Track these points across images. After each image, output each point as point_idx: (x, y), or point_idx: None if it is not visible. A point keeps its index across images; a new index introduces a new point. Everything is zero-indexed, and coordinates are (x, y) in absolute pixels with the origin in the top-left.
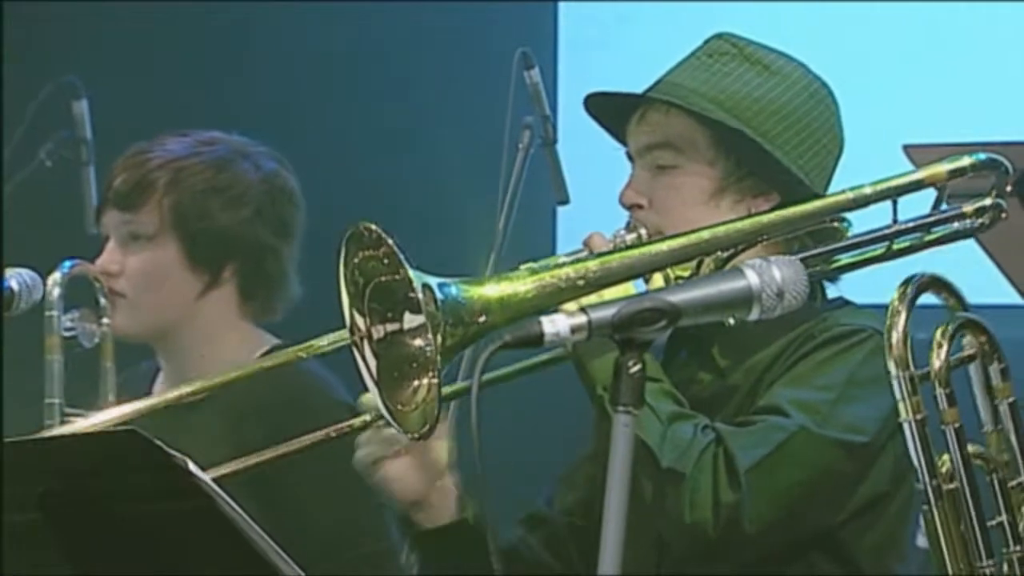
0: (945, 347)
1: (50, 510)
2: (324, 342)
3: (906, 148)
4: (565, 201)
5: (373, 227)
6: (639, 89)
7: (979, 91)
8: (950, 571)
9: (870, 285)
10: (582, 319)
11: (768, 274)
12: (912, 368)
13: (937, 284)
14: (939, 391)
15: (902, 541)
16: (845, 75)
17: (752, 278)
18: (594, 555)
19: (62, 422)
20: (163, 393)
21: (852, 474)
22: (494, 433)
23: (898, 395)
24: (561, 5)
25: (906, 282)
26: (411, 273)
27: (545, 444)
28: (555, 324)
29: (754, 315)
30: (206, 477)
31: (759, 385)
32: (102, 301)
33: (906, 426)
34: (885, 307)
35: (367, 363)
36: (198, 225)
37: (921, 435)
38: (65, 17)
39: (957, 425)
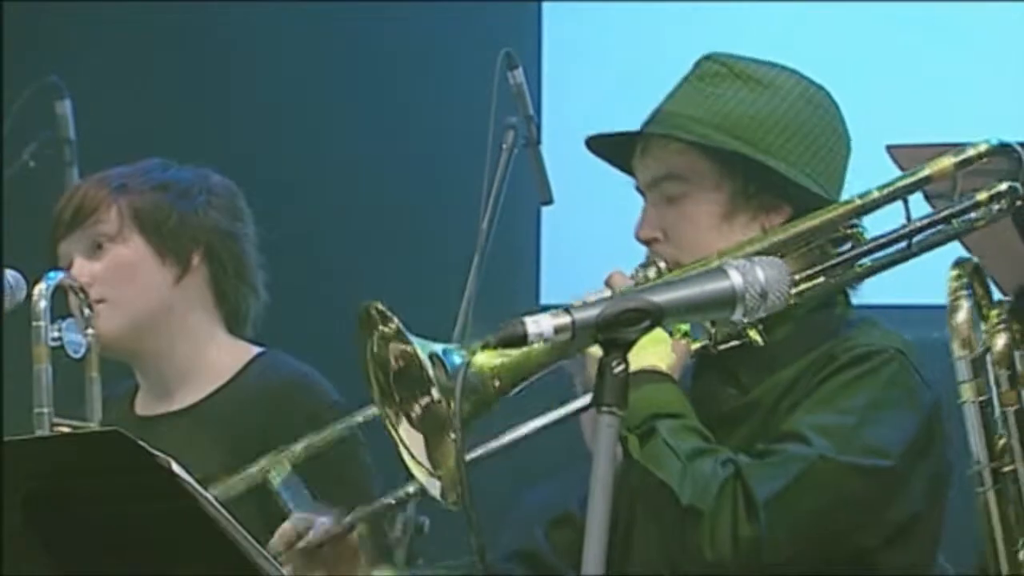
0: (1005, 330)
1: (33, 511)
2: (357, 418)
3: (889, 148)
4: (549, 201)
5: (379, 306)
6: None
7: (958, 92)
8: (1002, 551)
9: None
10: (566, 319)
11: (751, 275)
12: (975, 350)
13: (978, 271)
14: (1000, 372)
15: (933, 560)
16: (825, 77)
17: (735, 278)
18: None
19: (51, 431)
20: (145, 403)
21: (876, 498)
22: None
23: (961, 376)
24: (545, 5)
25: (957, 266)
26: (417, 347)
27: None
28: (539, 324)
29: (737, 315)
30: (189, 478)
31: (781, 402)
32: (87, 311)
33: (967, 407)
34: (895, 308)
35: (406, 445)
36: (156, 217)
37: (983, 417)
38: (48, 17)
39: (1016, 407)
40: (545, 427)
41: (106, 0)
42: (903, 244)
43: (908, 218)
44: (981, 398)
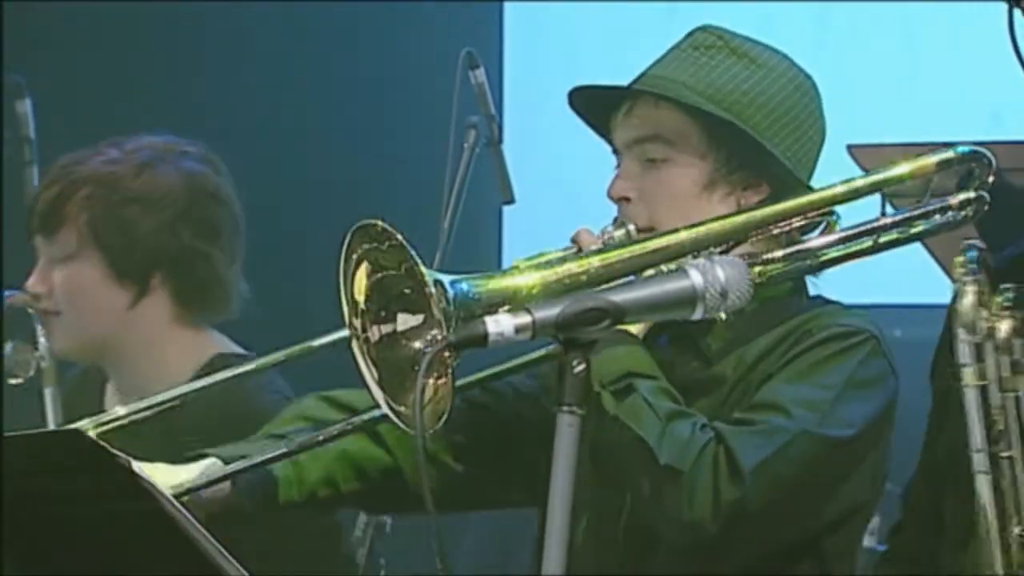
0: (1009, 317)
1: None
2: (319, 341)
3: (850, 148)
4: (511, 201)
5: (381, 223)
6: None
7: (921, 92)
8: (994, 538)
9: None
10: (526, 319)
11: (712, 274)
12: (978, 335)
13: (986, 256)
14: (1002, 359)
15: (859, 547)
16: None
17: (696, 278)
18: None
19: None
20: (115, 405)
21: (838, 468)
22: None
23: (964, 360)
24: (507, 5)
25: (965, 253)
26: (423, 268)
27: None
28: (499, 324)
29: (697, 314)
30: (150, 477)
31: (751, 375)
32: (38, 328)
33: (968, 391)
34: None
35: (368, 366)
36: (117, 239)
37: (982, 401)
38: (9, 16)
39: (1019, 393)
40: (512, 370)
41: (69, 0)
42: (869, 239)
43: (883, 212)
44: (982, 383)
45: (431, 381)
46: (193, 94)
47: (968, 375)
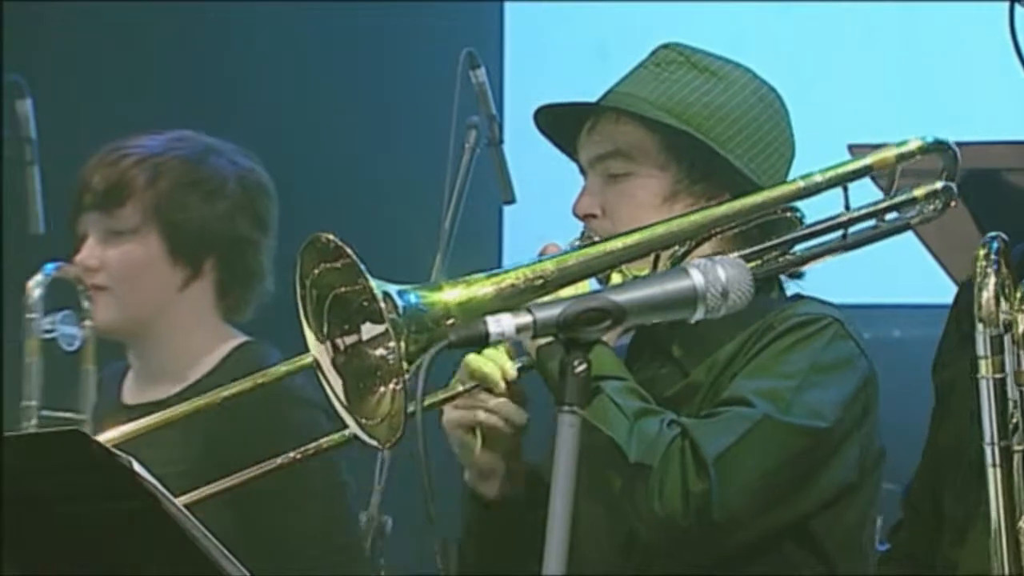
0: None
1: None
2: (285, 368)
3: (851, 148)
4: (511, 201)
5: (331, 237)
6: (589, 99)
7: (924, 93)
8: (1004, 535)
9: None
10: (527, 318)
11: (713, 274)
12: (999, 328)
13: (1007, 249)
14: (1021, 352)
15: (866, 538)
16: (794, 76)
17: (697, 278)
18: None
19: (39, 424)
20: (133, 391)
21: (815, 460)
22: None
23: (981, 352)
24: (507, 5)
25: (985, 244)
26: (372, 282)
27: None
28: (500, 324)
29: (699, 315)
30: (151, 477)
31: (722, 379)
32: (85, 304)
33: (983, 383)
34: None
35: (330, 380)
36: (179, 218)
37: (998, 394)
38: (9, 16)
39: None
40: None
41: (69, 0)
42: (838, 234)
43: (847, 207)
44: (998, 376)
45: (388, 390)
46: (193, 93)
47: (985, 367)
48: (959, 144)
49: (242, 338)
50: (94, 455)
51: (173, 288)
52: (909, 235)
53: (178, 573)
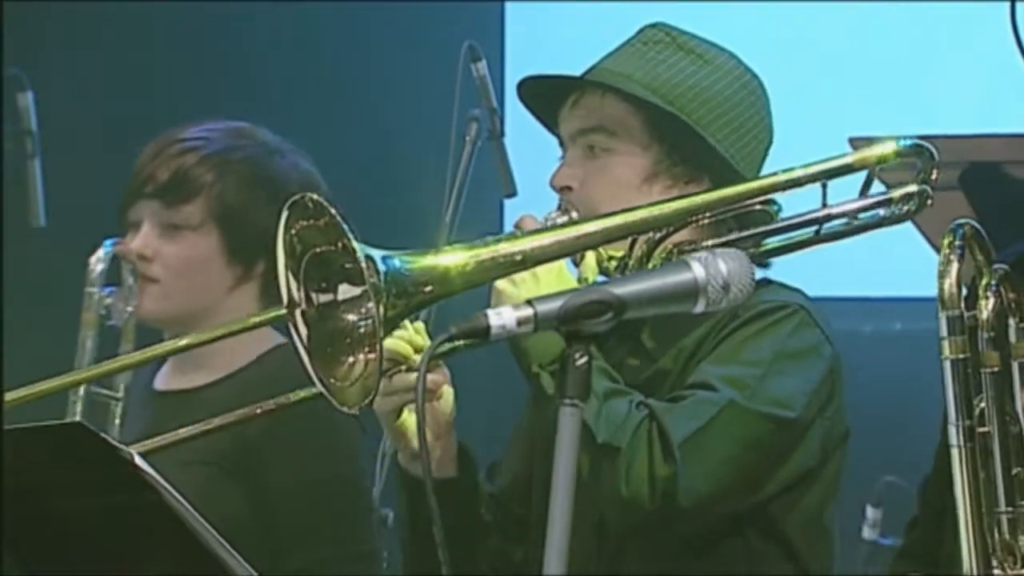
0: (993, 293)
1: None
2: (256, 319)
3: (851, 141)
4: (512, 194)
5: (316, 197)
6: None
7: (928, 87)
8: (967, 516)
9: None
10: (528, 311)
11: (714, 267)
12: (961, 311)
13: (977, 236)
14: (984, 335)
15: (827, 520)
16: (796, 72)
17: (698, 271)
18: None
19: (87, 398)
20: (166, 377)
21: (780, 448)
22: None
23: (944, 333)
24: (507, 5)
25: (951, 232)
26: (354, 243)
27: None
28: (501, 317)
29: (700, 308)
30: (152, 471)
31: (689, 366)
32: (131, 282)
33: (947, 364)
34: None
35: (300, 335)
36: (242, 219)
37: (961, 375)
38: (9, 9)
39: (996, 369)
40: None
41: None
42: (812, 229)
43: (824, 203)
44: (961, 356)
45: (361, 356)
46: (194, 88)
47: (946, 348)
48: (959, 137)
49: (280, 339)
50: (95, 448)
51: (224, 288)
52: (910, 228)
53: (180, 567)
